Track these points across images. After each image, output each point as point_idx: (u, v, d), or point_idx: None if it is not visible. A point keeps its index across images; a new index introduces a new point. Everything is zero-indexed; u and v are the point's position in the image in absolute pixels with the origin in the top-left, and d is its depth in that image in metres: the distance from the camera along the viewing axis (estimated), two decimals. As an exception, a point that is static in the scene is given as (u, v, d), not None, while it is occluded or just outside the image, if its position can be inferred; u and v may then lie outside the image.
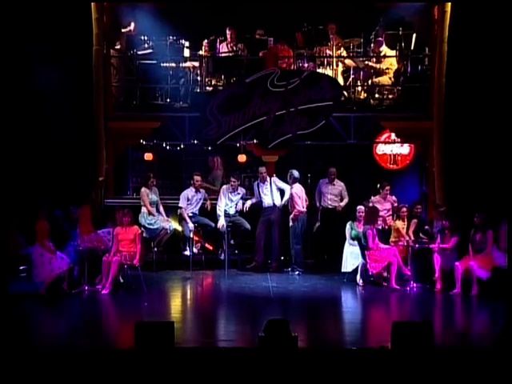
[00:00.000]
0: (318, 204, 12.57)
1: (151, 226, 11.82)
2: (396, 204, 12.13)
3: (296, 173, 12.17)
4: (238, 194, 12.33)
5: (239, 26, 13.22)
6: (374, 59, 13.19)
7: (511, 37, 11.04)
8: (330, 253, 12.24)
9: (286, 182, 12.26)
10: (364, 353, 7.33)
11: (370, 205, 11.82)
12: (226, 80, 13.22)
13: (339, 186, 12.51)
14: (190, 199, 12.11)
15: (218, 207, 12.14)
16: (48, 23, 11.73)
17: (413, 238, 11.39)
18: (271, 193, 12.23)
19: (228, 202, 12.23)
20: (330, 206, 12.45)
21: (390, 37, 13.24)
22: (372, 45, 13.28)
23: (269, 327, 6.45)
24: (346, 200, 12.45)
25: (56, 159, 11.99)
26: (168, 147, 13.28)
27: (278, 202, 12.23)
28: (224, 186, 12.37)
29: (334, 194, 12.48)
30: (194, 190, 12.17)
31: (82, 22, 12.30)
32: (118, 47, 13.30)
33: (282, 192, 12.27)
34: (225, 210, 12.16)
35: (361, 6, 13.13)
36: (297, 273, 11.95)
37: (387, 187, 12.23)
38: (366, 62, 13.20)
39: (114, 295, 10.44)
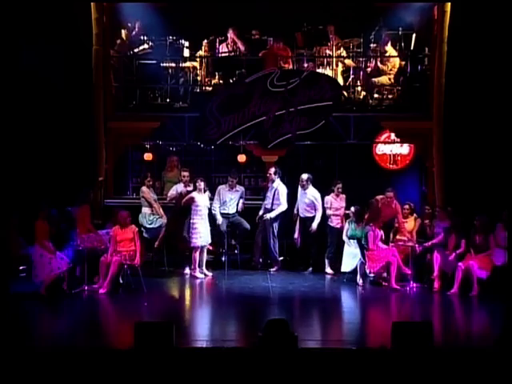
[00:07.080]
0: (295, 211, 12.07)
1: (153, 225, 11.82)
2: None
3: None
4: (237, 191, 12.24)
5: (239, 26, 13.23)
6: (379, 59, 13.20)
7: (511, 37, 11.06)
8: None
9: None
10: (364, 353, 7.32)
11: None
12: (225, 80, 13.23)
13: (311, 195, 11.83)
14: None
15: (212, 208, 12.03)
16: (48, 23, 11.75)
17: (415, 238, 11.39)
18: (273, 197, 12.03)
19: (227, 200, 12.16)
20: (301, 215, 11.97)
21: (390, 37, 13.23)
22: (373, 44, 13.27)
23: (269, 327, 6.44)
24: (318, 213, 11.75)
25: (56, 159, 12.01)
26: (168, 147, 13.27)
27: (271, 211, 11.96)
28: (220, 186, 12.30)
29: (306, 203, 11.89)
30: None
31: (82, 21, 12.32)
32: (119, 41, 13.26)
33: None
34: (223, 210, 12.10)
35: (361, 6, 13.15)
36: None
37: (338, 185, 11.91)
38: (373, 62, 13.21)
39: (113, 295, 10.44)
